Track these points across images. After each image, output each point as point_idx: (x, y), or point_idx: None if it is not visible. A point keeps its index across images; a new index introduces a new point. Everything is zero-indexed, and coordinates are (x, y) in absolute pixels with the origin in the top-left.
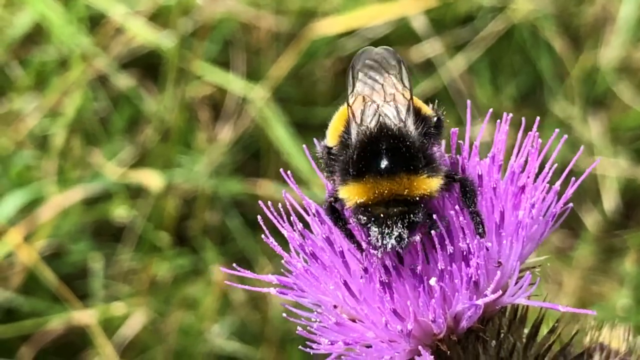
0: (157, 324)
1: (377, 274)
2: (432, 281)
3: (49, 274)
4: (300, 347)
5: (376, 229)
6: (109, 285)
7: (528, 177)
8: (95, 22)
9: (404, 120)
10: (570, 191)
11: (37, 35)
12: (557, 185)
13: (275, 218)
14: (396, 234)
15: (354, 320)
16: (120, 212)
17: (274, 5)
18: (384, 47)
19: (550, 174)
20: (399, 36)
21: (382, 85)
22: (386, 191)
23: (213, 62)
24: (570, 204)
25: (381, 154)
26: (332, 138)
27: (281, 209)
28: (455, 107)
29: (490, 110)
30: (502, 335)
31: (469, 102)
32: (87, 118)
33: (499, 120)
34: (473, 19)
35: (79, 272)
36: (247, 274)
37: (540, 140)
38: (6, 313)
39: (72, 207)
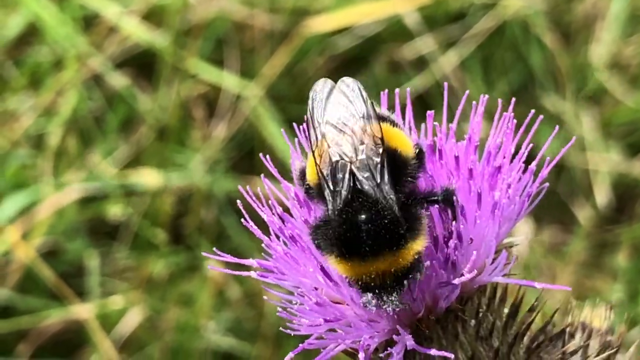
0: (153, 321)
1: None
2: None
3: (47, 271)
4: (294, 342)
5: (369, 295)
6: (105, 283)
7: (504, 158)
8: (89, 22)
9: (378, 182)
10: (545, 171)
11: (31, 35)
12: (533, 165)
13: (255, 202)
14: (392, 299)
15: (334, 302)
16: (115, 210)
17: (267, 3)
18: (346, 77)
19: (525, 154)
20: (392, 33)
21: (351, 129)
22: (373, 271)
23: (207, 60)
24: (546, 184)
25: (361, 232)
26: (310, 173)
27: (260, 193)
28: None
29: (486, 96)
30: (481, 314)
31: (445, 84)
32: (82, 117)
33: (474, 102)
34: (465, 16)
35: (75, 271)
36: (228, 258)
37: (515, 121)
38: (3, 311)
39: (68, 205)
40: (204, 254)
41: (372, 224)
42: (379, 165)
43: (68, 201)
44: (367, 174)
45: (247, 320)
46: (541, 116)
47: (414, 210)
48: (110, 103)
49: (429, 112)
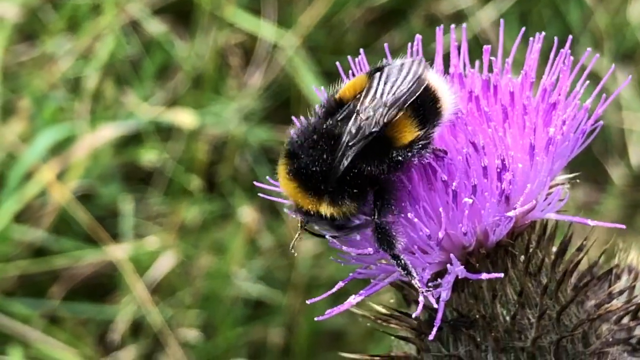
0: (185, 267)
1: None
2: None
3: (81, 214)
4: (325, 291)
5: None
6: (139, 226)
7: (559, 95)
8: None
9: (350, 144)
10: (600, 109)
11: None
12: (588, 102)
13: None
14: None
15: None
16: (150, 156)
17: None
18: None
19: (581, 92)
20: None
21: (381, 94)
22: (288, 188)
23: (244, 9)
24: (601, 122)
25: (302, 154)
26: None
27: None
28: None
29: (523, 29)
30: (530, 250)
31: (502, 20)
32: (119, 62)
33: (531, 38)
34: None
35: (109, 215)
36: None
37: (572, 58)
38: (37, 252)
39: (102, 149)
40: (258, 184)
41: (314, 158)
42: (363, 136)
43: (103, 141)
44: (354, 130)
45: (278, 269)
46: (597, 55)
47: (355, 187)
48: (147, 49)
49: (485, 46)
